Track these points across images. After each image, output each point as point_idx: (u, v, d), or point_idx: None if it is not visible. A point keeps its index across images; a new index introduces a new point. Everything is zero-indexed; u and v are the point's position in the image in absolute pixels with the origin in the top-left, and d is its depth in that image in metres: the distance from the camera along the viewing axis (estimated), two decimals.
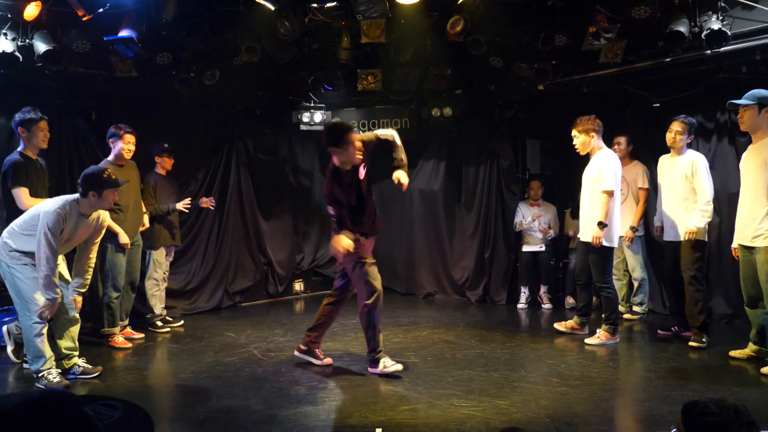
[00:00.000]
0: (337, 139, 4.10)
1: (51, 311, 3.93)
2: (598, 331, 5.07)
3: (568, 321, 5.45)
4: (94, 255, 4.30)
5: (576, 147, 5.18)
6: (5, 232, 4.05)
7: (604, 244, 4.93)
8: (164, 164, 5.87)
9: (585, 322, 5.33)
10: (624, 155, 5.92)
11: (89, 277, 4.30)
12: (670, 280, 5.16)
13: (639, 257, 5.85)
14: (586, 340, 5.05)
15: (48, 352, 4.02)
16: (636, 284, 5.93)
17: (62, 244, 4.02)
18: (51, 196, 4.35)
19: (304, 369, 4.43)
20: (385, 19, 5.49)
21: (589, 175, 5.10)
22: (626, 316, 5.93)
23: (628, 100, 6.21)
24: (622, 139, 5.92)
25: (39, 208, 3.95)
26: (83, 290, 4.27)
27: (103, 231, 4.32)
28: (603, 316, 5.09)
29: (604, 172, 4.93)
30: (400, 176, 4.28)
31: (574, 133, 5.14)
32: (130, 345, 5.19)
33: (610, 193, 4.90)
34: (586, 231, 5.05)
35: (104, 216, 4.26)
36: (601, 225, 4.87)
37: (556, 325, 5.47)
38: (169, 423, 3.44)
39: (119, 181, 4.05)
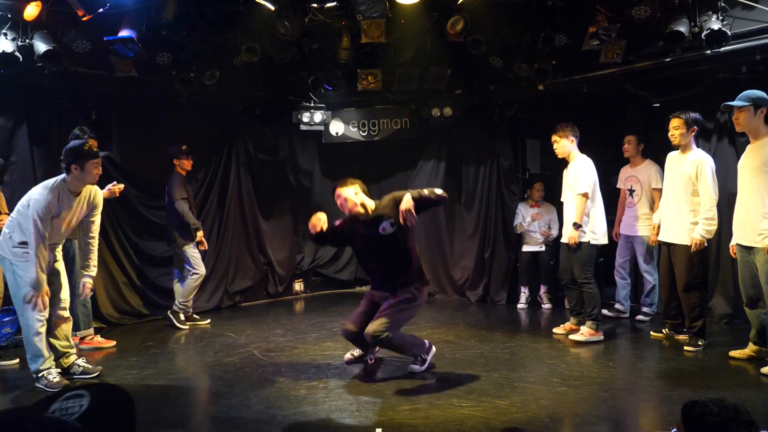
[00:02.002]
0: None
1: (34, 296, 3.86)
2: (582, 328, 5.15)
3: (566, 324, 5.46)
4: (95, 233, 4.32)
5: (556, 151, 5.41)
6: (5, 227, 4.07)
7: (591, 242, 5.13)
8: (183, 165, 5.92)
9: (582, 321, 5.35)
10: (635, 154, 5.91)
11: (95, 257, 4.32)
12: (663, 282, 5.14)
13: (655, 260, 5.81)
14: (571, 337, 5.12)
15: (47, 351, 4.02)
16: (650, 286, 5.90)
17: (62, 226, 4.05)
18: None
19: (304, 369, 4.43)
20: (385, 19, 5.49)
21: (569, 181, 5.32)
22: (638, 317, 5.89)
23: (628, 100, 6.21)
24: (632, 138, 5.88)
25: (30, 195, 3.97)
26: (92, 273, 4.30)
27: (101, 207, 4.31)
28: (585, 312, 5.16)
29: (581, 176, 5.15)
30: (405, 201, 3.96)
31: (554, 138, 5.38)
32: (113, 343, 5.18)
33: (586, 195, 5.11)
34: (566, 233, 5.27)
35: (96, 191, 4.26)
36: (576, 226, 5.08)
37: (555, 330, 5.47)
38: (169, 423, 3.44)
39: (99, 152, 4.11)
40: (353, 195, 4.18)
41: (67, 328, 4.29)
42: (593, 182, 5.16)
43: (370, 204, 4.23)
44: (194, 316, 6.09)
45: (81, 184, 4.06)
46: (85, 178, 4.03)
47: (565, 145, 5.32)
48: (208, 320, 6.13)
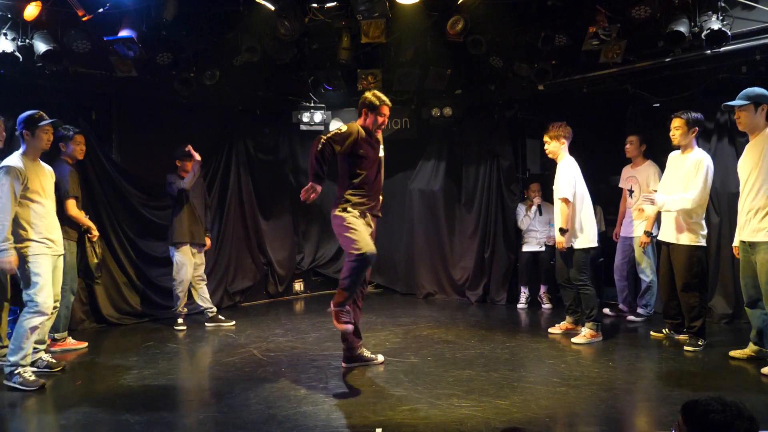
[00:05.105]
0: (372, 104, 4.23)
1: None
2: (582, 329, 5.13)
3: (561, 323, 5.46)
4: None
5: (546, 152, 5.34)
6: None
7: (584, 246, 5.07)
8: (186, 168, 5.88)
9: (578, 320, 5.35)
10: (636, 155, 5.85)
11: None
12: (662, 281, 5.13)
13: (650, 260, 5.75)
14: (573, 339, 5.08)
15: (31, 349, 4.01)
16: (644, 286, 5.86)
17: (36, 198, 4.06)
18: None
19: (304, 369, 4.43)
20: (385, 19, 5.50)
21: (555, 185, 5.24)
22: (629, 317, 5.91)
23: (628, 100, 6.21)
24: (635, 138, 5.82)
25: None
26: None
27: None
28: (584, 314, 5.13)
29: (561, 180, 5.10)
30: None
31: (545, 138, 5.30)
32: (85, 344, 5.12)
33: (566, 200, 5.04)
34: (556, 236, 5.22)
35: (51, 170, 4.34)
36: (562, 231, 5.04)
37: (551, 330, 5.47)
38: (169, 423, 3.44)
39: (47, 118, 4.16)
40: None
41: (50, 323, 4.25)
42: (574, 185, 5.06)
43: None
44: (219, 317, 6.06)
45: (37, 151, 4.13)
46: (38, 144, 4.11)
47: (554, 147, 5.23)
48: (233, 322, 6.05)
